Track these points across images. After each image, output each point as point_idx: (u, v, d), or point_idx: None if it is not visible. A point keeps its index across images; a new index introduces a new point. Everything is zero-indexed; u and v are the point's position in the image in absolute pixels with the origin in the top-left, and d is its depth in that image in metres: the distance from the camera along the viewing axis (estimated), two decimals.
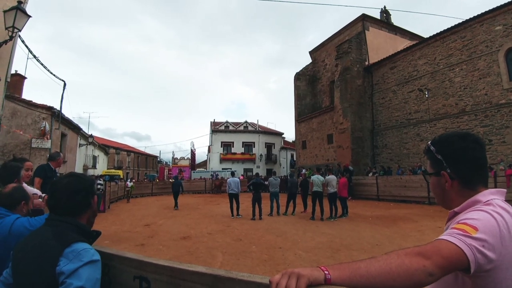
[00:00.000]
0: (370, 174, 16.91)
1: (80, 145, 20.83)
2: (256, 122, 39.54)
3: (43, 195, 2.66)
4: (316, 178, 10.14)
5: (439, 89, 16.52)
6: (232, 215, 10.61)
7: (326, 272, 0.69)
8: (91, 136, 22.85)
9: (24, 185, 2.58)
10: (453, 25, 15.88)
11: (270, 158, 37.87)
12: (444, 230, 0.90)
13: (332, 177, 10.12)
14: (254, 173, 22.94)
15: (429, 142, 1.05)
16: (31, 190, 2.71)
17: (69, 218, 1.17)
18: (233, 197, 10.76)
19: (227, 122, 39.34)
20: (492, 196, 0.90)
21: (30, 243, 1.11)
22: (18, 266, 1.08)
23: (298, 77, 28.64)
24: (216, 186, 25.03)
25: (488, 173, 1.01)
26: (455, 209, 0.95)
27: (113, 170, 30.57)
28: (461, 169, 0.95)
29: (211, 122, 39.35)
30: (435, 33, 16.94)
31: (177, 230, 8.33)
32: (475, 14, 14.82)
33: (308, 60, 29.56)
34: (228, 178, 12.91)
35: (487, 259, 0.75)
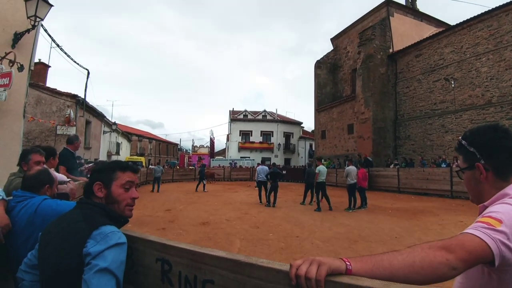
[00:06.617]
0: (392, 166, 16.53)
1: (104, 132, 21.51)
2: (274, 111, 39.29)
3: (68, 179, 2.76)
4: (323, 168, 10.23)
5: (466, 79, 15.73)
6: (260, 202, 10.97)
7: (348, 263, 0.70)
8: (114, 123, 23.53)
9: (55, 173, 2.44)
10: (479, 13, 15.04)
11: (288, 147, 37.70)
12: None
13: (352, 168, 9.96)
14: (271, 163, 22.81)
15: (460, 138, 1.04)
16: (62, 177, 2.81)
17: (99, 202, 1.20)
18: (262, 185, 11.26)
19: (245, 111, 39.32)
20: None
21: (59, 225, 1.14)
22: (46, 247, 1.11)
23: (318, 65, 28.02)
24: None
25: None
26: (485, 203, 0.93)
27: (136, 157, 31.46)
28: (495, 159, 0.93)
29: (230, 111, 39.50)
30: (461, 20, 16.07)
31: (197, 215, 8.53)
32: (501, 3, 13.91)
33: (326, 48, 28.96)
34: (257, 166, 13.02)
35: None
